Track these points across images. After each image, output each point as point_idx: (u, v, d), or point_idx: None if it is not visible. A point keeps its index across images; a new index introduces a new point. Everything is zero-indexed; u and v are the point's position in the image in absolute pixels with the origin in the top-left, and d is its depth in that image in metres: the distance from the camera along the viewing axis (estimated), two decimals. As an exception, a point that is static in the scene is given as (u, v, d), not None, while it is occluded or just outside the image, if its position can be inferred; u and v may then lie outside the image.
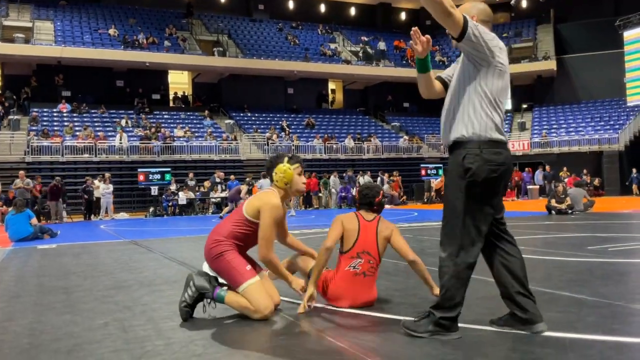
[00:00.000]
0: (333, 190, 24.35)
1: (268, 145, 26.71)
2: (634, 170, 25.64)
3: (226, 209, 18.09)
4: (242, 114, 30.26)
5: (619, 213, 13.72)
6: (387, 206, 23.47)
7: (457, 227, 2.84)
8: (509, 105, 35.19)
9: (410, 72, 33.53)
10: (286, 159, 3.75)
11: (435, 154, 29.97)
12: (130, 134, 24.99)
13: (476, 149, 2.80)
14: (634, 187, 25.46)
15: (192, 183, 22.39)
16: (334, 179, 24.37)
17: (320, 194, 24.69)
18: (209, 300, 3.59)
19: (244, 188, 17.76)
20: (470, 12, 2.91)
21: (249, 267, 3.56)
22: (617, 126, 28.53)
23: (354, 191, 24.06)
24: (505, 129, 31.88)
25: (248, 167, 25.70)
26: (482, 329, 3.04)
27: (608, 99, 31.46)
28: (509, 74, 2.92)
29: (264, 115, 30.76)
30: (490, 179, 2.80)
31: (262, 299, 3.44)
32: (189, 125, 27.55)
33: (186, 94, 31.96)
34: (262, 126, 29.16)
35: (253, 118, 30.18)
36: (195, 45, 30.72)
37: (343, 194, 24.16)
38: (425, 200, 25.38)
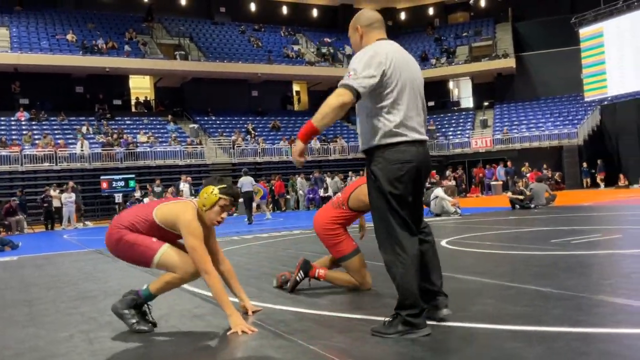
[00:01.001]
0: (300, 192, 24.34)
1: (234, 149, 26.53)
2: (585, 165, 26.41)
3: None
4: (206, 118, 29.98)
5: (579, 206, 14.08)
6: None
7: (388, 227, 2.96)
8: (470, 103, 35.85)
9: (373, 73, 33.75)
10: (222, 185, 3.41)
11: (401, 153, 30.22)
12: (91, 141, 24.49)
13: (379, 153, 2.97)
14: (585, 180, 26.19)
15: (158, 189, 22.01)
16: (301, 181, 24.36)
17: (287, 196, 24.64)
18: (142, 306, 3.47)
19: None
20: (357, 24, 3.17)
21: (154, 239, 3.39)
22: (575, 121, 29.29)
23: (321, 192, 24.10)
24: (468, 127, 32.64)
25: (214, 172, 25.47)
26: (452, 325, 3.07)
27: (566, 95, 32.28)
28: (400, 73, 2.95)
29: (228, 118, 30.54)
30: (399, 177, 2.92)
31: (183, 259, 3.33)
32: (152, 131, 27.14)
33: (148, 98, 31.48)
34: (227, 130, 28.95)
35: (217, 122, 29.94)
36: (157, 49, 30.30)
37: (311, 195, 24.17)
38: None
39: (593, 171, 26.33)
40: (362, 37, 3.14)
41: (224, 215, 3.44)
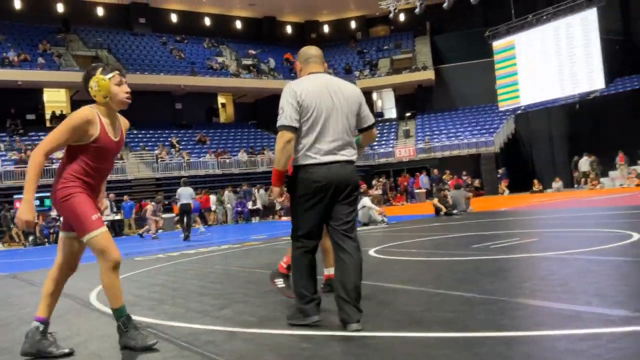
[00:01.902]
0: (229, 205, 24.01)
1: (157, 163, 25.84)
2: (501, 170, 27.72)
3: (144, 228, 17.93)
4: (127, 132, 29.00)
5: (498, 211, 14.71)
6: (283, 218, 23.52)
7: (295, 231, 3.56)
8: (393, 114, 36.79)
9: (298, 84, 33.93)
10: (100, 69, 3.32)
11: (328, 164, 30.49)
12: (3, 158, 23.11)
13: (296, 171, 3.48)
14: (502, 184, 27.45)
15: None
16: (228, 194, 24.04)
17: (215, 210, 24.22)
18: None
19: (150, 208, 17.68)
20: (297, 60, 3.76)
21: (96, 215, 3.25)
22: (492, 130, 30.68)
23: (250, 205, 23.88)
24: (392, 137, 33.43)
25: (137, 187, 24.72)
26: (380, 335, 3.09)
27: (483, 105, 33.77)
28: (316, 104, 3.41)
29: (151, 132, 29.73)
30: (306, 194, 3.42)
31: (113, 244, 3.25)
32: (70, 146, 25.98)
33: (64, 113, 30.10)
34: (149, 143, 28.16)
35: (140, 135, 29.07)
36: (72, 61, 29.10)
37: (239, 208, 23.90)
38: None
39: (498, 176, 27.64)
40: (301, 71, 3.67)
41: (125, 88, 3.36)
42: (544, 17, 27.77)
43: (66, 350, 3.27)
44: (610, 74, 26.81)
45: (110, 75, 3.31)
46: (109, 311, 4.54)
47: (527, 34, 28.60)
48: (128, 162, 25.57)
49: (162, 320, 4.12)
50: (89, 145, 3.23)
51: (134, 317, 3.38)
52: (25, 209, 3.04)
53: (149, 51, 32.61)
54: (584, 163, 24.37)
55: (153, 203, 18.53)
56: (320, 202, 3.42)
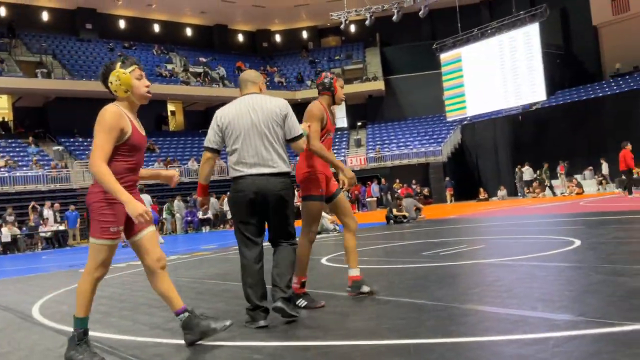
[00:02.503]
0: (178, 215, 23.58)
1: (104, 171, 25.12)
2: (447, 179, 28.40)
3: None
4: (72, 140, 28.16)
5: (446, 219, 15.01)
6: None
7: (236, 239, 3.89)
8: (344, 123, 37.12)
9: (250, 93, 33.79)
10: (119, 64, 3.29)
11: (279, 173, 30.42)
12: (-63, 166, 22.00)
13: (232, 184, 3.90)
14: (448, 192, 28.09)
15: (11, 218, 20.10)
16: (178, 203, 23.63)
17: (163, 219, 23.75)
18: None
19: None
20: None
21: (114, 228, 3.16)
22: (440, 140, 31.37)
23: (200, 214, 23.53)
24: (343, 146, 33.69)
25: (82, 197, 23.95)
26: (331, 344, 3.09)
27: (431, 115, 34.50)
28: (235, 124, 3.83)
29: (98, 140, 28.89)
30: (234, 203, 3.84)
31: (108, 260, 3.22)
32: (11, 154, 24.97)
33: (6, 119, 28.96)
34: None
35: (85, 143, 28.23)
36: (15, 67, 28.03)
37: (189, 218, 23.51)
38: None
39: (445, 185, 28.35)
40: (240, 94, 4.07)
41: (145, 82, 3.38)
42: (489, 31, 28.67)
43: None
44: (551, 86, 27.90)
45: (130, 69, 3.29)
46: (52, 325, 4.37)
47: (472, 47, 29.46)
48: (73, 170, 24.79)
49: (108, 333, 3.99)
50: (124, 143, 3.21)
51: (79, 331, 3.26)
52: (132, 205, 3.01)
53: (96, 57, 31.77)
54: (526, 172, 25.23)
55: None
56: (248, 212, 3.77)
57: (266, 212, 3.79)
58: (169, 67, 33.51)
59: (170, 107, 35.07)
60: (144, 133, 3.40)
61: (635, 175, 16.81)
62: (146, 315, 4.62)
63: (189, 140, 32.22)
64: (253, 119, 3.80)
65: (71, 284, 7.22)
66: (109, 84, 3.29)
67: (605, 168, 23.39)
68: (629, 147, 16.52)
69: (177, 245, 14.22)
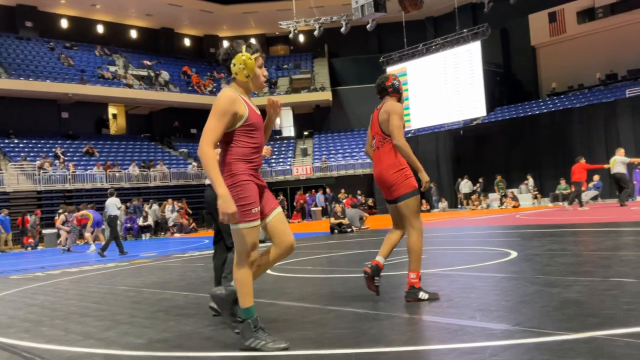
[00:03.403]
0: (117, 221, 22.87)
1: (39, 174, 24.14)
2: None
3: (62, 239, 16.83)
4: (7, 141, 26.93)
5: (389, 229, 15.17)
6: (176, 235, 22.82)
7: None
8: (291, 132, 37.18)
9: (196, 99, 33.37)
10: (244, 47, 3.27)
11: (224, 180, 30.08)
12: None
13: None
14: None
15: None
16: (117, 209, 22.91)
17: (102, 226, 22.97)
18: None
19: (62, 217, 16.83)
20: None
21: (256, 209, 3.17)
22: (385, 151, 31.81)
23: (140, 221, 22.93)
24: (289, 155, 33.71)
25: (16, 200, 22.95)
26: (275, 355, 3.05)
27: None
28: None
29: (34, 141, 27.77)
30: None
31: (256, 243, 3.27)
32: (-62, 154, 23.65)
33: None
34: (31, 154, 26.27)
35: (21, 145, 27.05)
36: (-55, 62, 26.62)
37: (128, 224, 22.86)
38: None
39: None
40: None
41: (265, 71, 3.38)
42: (433, 47, 29.43)
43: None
44: (491, 102, 28.87)
45: (255, 55, 3.27)
46: (2, 339, 4.12)
47: (417, 61, 30.14)
48: (7, 173, 23.69)
49: (38, 343, 3.80)
50: (244, 125, 3.19)
51: (6, 341, 3.09)
52: (226, 202, 2.99)
53: (35, 56, 30.57)
54: (465, 185, 25.96)
55: (66, 213, 17.30)
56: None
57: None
58: (112, 69, 32.61)
59: (112, 110, 34.08)
60: (259, 113, 3.35)
61: (582, 189, 17.28)
62: (79, 324, 4.43)
63: (131, 144, 31.39)
64: None
65: (1, 291, 6.86)
66: (232, 66, 3.26)
67: (531, 183, 24.52)
68: (583, 160, 17.05)
69: (115, 252, 13.76)
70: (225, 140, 3.21)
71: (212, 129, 3.10)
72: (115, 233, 13.56)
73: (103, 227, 22.77)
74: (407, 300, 4.31)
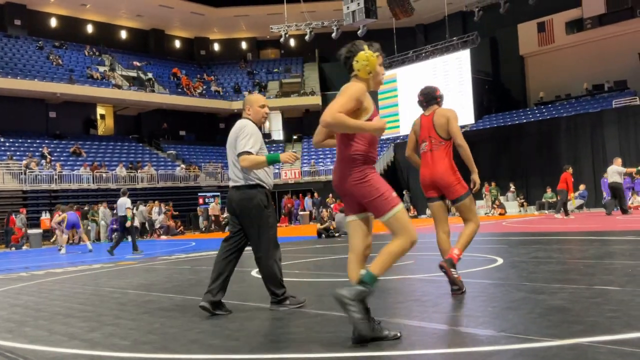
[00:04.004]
0: (103, 222, 22.72)
1: (25, 174, 23.91)
2: (405, 192, 28.94)
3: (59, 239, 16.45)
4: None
5: (377, 234, 15.19)
6: (163, 237, 22.70)
7: None
8: (280, 136, 37.20)
9: (186, 100, 33.29)
10: (366, 46, 3.33)
11: (213, 183, 30.00)
12: None
13: None
14: None
15: None
16: (103, 210, 22.77)
17: (88, 227, 22.81)
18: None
19: (57, 218, 16.30)
20: None
21: (394, 192, 3.26)
22: (373, 157, 31.89)
23: (127, 223, 22.75)
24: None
25: (1, 200, 22.69)
26: (262, 357, 3.04)
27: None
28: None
29: (20, 140, 27.52)
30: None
31: (410, 222, 3.33)
32: None
33: None
34: (17, 153, 26.03)
35: (7, 144, 26.79)
36: None
37: (114, 225, 22.66)
38: (203, 229, 25.16)
39: None
40: None
41: (384, 70, 3.47)
42: (423, 54, 29.62)
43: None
44: (479, 110, 29.09)
45: (376, 53, 3.32)
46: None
47: (407, 68, 30.32)
48: (-9, 171, 23.45)
49: (21, 343, 3.76)
50: (369, 120, 3.25)
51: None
52: (379, 122, 3.18)
53: (23, 55, 30.33)
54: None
55: (59, 212, 17.08)
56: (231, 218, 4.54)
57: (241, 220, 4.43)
58: (101, 69, 32.44)
59: (100, 110, 33.88)
60: None
61: (568, 199, 17.29)
62: (63, 325, 4.39)
63: (119, 145, 31.21)
64: (230, 138, 4.49)
65: (-18, 291, 6.78)
66: (354, 63, 3.28)
67: (513, 190, 24.78)
68: (570, 171, 17.12)
69: (100, 254, 13.68)
70: (349, 136, 3.26)
71: (342, 105, 3.13)
72: (128, 232, 13.78)
73: (89, 227, 22.66)
74: (439, 265, 4.70)
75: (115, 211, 23.02)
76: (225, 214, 24.92)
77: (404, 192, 28.86)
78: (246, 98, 4.64)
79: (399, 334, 3.24)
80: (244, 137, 4.33)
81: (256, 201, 4.29)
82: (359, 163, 3.26)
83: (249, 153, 4.27)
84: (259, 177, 4.35)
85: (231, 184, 4.45)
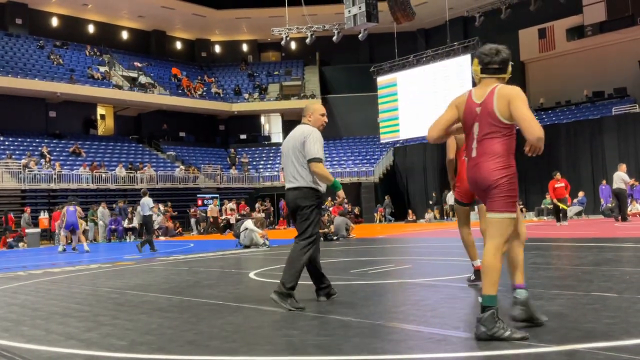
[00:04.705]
0: (101, 222, 22.69)
1: (24, 173, 23.88)
2: (387, 197, 28.98)
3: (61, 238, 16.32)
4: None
5: (375, 238, 15.23)
6: (162, 238, 22.67)
7: None
8: (280, 138, 37.19)
9: (186, 102, 33.30)
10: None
11: (212, 184, 29.98)
12: None
13: None
14: (379, 211, 28.59)
15: None
16: (102, 210, 22.74)
17: (86, 227, 22.76)
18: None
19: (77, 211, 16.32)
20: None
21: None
22: (372, 160, 31.94)
23: (125, 223, 22.76)
24: (277, 161, 33.68)
25: (0, 198, 22.66)
26: (256, 359, 3.03)
27: (365, 136, 35.12)
28: (283, 148, 4.99)
29: (20, 139, 27.49)
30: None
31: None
32: None
33: None
34: (17, 152, 26.00)
35: (7, 143, 26.76)
36: None
37: (113, 226, 22.67)
38: (202, 230, 25.13)
39: (378, 205, 28.93)
40: None
41: None
42: (424, 59, 29.64)
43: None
44: (480, 116, 29.06)
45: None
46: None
47: (408, 72, 30.33)
48: (-11, 170, 23.42)
49: (18, 342, 3.76)
50: (513, 124, 3.41)
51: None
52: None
53: (24, 54, 30.33)
54: (451, 197, 26.04)
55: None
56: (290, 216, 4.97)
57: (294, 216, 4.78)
58: (102, 69, 32.44)
59: (100, 110, 33.87)
60: None
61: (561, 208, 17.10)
62: (60, 324, 4.38)
63: (118, 145, 31.19)
64: (288, 144, 4.82)
65: (-21, 290, 6.76)
66: (508, 66, 3.52)
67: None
68: (558, 176, 17.01)
69: (98, 254, 13.66)
70: (505, 133, 3.40)
71: (532, 116, 3.39)
72: (147, 230, 14.68)
73: (86, 227, 22.65)
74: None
75: (114, 211, 23.13)
76: (224, 216, 24.91)
77: (386, 197, 28.86)
78: (308, 105, 4.96)
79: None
80: (314, 143, 4.66)
81: (311, 201, 4.68)
82: (507, 160, 3.42)
83: (320, 160, 4.66)
84: (316, 180, 4.73)
85: (289, 185, 4.76)
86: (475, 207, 5.13)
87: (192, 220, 25.60)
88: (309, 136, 4.67)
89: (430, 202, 27.98)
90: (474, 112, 3.44)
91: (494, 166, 3.35)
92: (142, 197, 14.46)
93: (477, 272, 5.27)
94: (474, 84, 3.67)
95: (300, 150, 4.67)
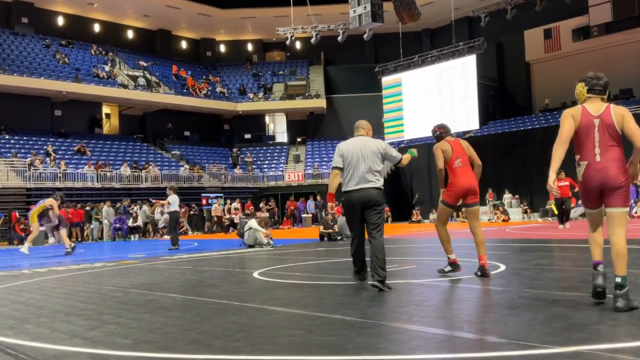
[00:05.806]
0: (106, 221, 22.76)
1: (30, 171, 23.97)
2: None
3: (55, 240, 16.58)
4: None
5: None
6: (166, 237, 22.71)
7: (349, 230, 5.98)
8: (284, 138, 37.22)
9: (191, 101, 33.35)
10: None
11: (217, 184, 30.01)
12: None
13: (342, 196, 5.80)
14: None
15: None
16: (107, 209, 22.81)
17: (91, 225, 22.86)
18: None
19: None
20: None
21: None
22: (377, 160, 31.86)
23: (130, 222, 22.82)
24: (282, 161, 33.71)
25: (4, 197, 22.74)
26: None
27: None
28: (349, 154, 5.77)
29: (25, 138, 27.60)
30: (345, 208, 5.81)
31: None
32: None
33: None
34: (22, 150, 26.11)
35: (12, 141, 26.87)
36: (-61, 55, 26.42)
37: (117, 225, 22.74)
38: (206, 230, 25.16)
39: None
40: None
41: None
42: (429, 59, 29.59)
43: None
44: (484, 116, 29.03)
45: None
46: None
47: (413, 72, 30.29)
48: (-5, 168, 23.52)
49: (23, 340, 3.77)
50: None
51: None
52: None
53: (30, 53, 30.45)
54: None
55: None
56: (353, 213, 5.67)
57: (366, 212, 5.63)
58: (107, 68, 32.54)
59: (106, 109, 33.98)
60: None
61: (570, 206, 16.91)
62: (65, 323, 4.40)
63: (123, 144, 31.27)
64: (361, 152, 5.65)
65: (-16, 287, 6.78)
66: (607, 89, 4.18)
67: (508, 198, 24.70)
68: (562, 175, 16.84)
69: (103, 252, 13.69)
70: (619, 143, 4.05)
71: None
72: (176, 226, 14.82)
73: (92, 226, 22.72)
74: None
75: (119, 209, 23.20)
76: (228, 215, 24.92)
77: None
78: (365, 123, 6.18)
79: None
80: (392, 148, 5.95)
81: (384, 198, 5.71)
82: (625, 163, 4.08)
83: (402, 158, 5.98)
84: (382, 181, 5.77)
85: (368, 185, 5.60)
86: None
87: (188, 222, 25.47)
88: (385, 144, 5.87)
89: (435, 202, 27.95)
90: (591, 122, 4.05)
91: (620, 170, 4.00)
92: (170, 194, 14.55)
93: (453, 265, 6.22)
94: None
95: (383, 155, 5.75)
